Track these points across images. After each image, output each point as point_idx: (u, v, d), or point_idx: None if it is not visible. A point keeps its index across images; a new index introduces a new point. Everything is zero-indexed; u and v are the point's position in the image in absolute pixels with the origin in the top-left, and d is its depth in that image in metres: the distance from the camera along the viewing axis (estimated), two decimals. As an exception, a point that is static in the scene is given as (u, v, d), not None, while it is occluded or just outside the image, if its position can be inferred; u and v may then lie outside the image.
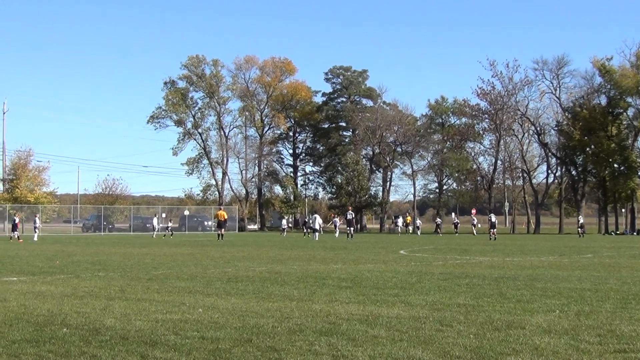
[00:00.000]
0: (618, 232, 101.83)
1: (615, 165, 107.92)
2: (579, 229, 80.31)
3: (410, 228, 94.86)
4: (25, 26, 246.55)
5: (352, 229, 67.71)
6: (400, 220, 78.60)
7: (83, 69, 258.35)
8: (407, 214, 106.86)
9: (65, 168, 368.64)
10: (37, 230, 66.72)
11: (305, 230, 76.88)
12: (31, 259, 30.51)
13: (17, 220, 64.35)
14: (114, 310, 13.13)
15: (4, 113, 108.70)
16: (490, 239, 61.52)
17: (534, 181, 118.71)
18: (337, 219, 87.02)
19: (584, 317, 11.94)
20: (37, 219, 69.34)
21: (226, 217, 65.06)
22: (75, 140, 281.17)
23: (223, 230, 61.79)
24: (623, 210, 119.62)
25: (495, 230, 65.10)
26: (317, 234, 65.50)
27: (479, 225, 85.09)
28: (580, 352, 8.99)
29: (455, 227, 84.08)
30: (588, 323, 11.29)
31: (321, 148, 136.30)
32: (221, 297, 15.26)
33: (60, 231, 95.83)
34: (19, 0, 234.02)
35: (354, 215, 73.99)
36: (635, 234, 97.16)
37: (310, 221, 71.85)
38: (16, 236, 61.36)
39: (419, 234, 69.48)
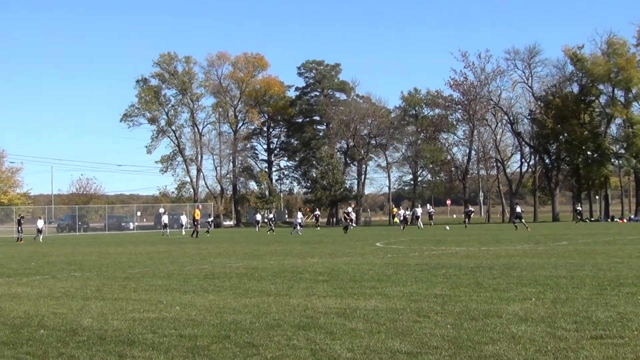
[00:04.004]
0: (592, 219, 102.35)
1: (589, 153, 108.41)
2: (578, 216, 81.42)
3: (397, 220, 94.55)
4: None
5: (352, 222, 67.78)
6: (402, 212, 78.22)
7: (55, 68, 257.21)
8: (393, 206, 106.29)
9: (38, 169, 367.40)
10: (41, 232, 65.84)
11: (271, 226, 76.55)
12: (6, 261, 30.37)
13: None
14: (91, 310, 13.10)
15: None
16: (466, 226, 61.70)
17: (508, 170, 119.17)
18: (318, 212, 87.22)
19: (560, 305, 12.00)
20: (40, 221, 68.33)
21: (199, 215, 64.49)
22: (49, 140, 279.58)
23: (199, 227, 61.58)
24: (597, 197, 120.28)
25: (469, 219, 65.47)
26: (299, 228, 65.37)
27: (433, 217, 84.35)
28: (557, 339, 9.03)
29: (430, 217, 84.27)
30: (564, 310, 11.35)
31: (295, 142, 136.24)
32: (198, 294, 15.24)
33: (34, 232, 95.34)
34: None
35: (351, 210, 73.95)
36: (609, 220, 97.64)
37: (293, 216, 71.97)
38: None
39: (421, 225, 69.00)
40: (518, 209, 63.71)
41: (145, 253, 34.65)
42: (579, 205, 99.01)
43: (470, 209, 78.28)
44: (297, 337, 9.65)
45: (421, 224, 70.14)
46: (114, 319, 11.87)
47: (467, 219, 72.39)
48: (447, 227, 64.36)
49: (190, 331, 10.39)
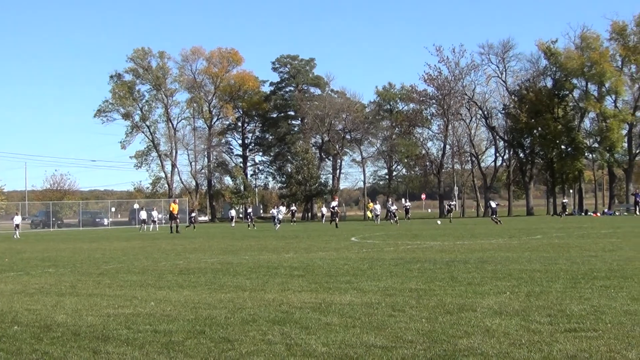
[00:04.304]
0: (567, 213, 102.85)
1: (563, 147, 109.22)
2: (564, 210, 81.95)
3: (370, 215, 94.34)
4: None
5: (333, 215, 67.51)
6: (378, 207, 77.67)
7: (27, 63, 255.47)
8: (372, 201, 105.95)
9: (12, 165, 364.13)
10: (18, 227, 65.64)
11: (249, 222, 76.54)
12: (-21, 258, 30.18)
13: None
14: (65, 306, 13.04)
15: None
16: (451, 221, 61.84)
17: (482, 165, 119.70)
18: (294, 208, 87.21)
19: (534, 298, 12.05)
20: (17, 217, 68.25)
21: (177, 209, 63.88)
22: (22, 136, 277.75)
23: (177, 222, 60.83)
24: (571, 191, 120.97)
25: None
26: (278, 223, 65.27)
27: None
28: (532, 333, 9.07)
29: (407, 212, 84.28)
30: (538, 303, 11.40)
31: (270, 137, 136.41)
32: (173, 290, 15.21)
33: (8, 228, 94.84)
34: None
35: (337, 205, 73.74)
36: (583, 214, 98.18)
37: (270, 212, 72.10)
38: None
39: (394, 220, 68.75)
40: (493, 204, 63.80)
41: (120, 249, 34.53)
42: (564, 197, 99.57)
43: (451, 203, 78.22)
44: (272, 332, 9.65)
45: (395, 218, 70.16)
46: (88, 314, 11.82)
47: (449, 214, 72.37)
48: (439, 222, 64.11)
49: (165, 327, 10.36)
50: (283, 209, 72.56)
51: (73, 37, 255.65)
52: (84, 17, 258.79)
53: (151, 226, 73.28)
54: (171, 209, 61.95)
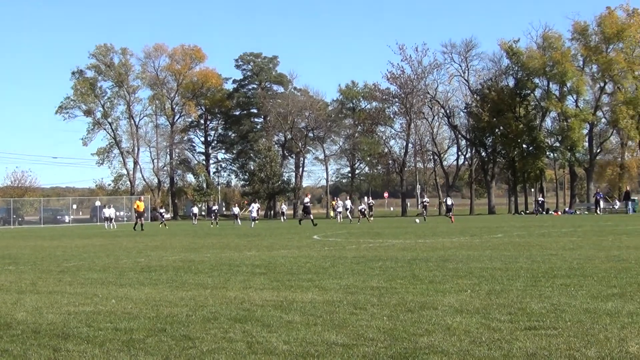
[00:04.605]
0: (528, 212, 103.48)
1: (524, 146, 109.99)
2: (539, 208, 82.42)
3: (333, 213, 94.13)
4: None
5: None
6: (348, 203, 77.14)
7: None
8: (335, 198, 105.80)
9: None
10: None
11: (213, 219, 76.53)
12: (-62, 255, 29.91)
13: None
14: (25, 303, 12.95)
15: None
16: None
17: (444, 163, 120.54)
18: (257, 205, 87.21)
19: (495, 296, 12.10)
20: None
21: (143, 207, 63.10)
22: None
23: (142, 219, 60.10)
24: (532, 190, 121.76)
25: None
26: (253, 221, 65.13)
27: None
28: (492, 331, 9.11)
29: (370, 209, 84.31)
30: (499, 302, 11.45)
31: (233, 135, 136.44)
32: (134, 288, 15.14)
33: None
34: None
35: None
36: (544, 213, 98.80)
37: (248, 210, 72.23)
38: None
39: (350, 218, 68.74)
40: (449, 202, 64.04)
41: (81, 246, 34.35)
42: (541, 195, 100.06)
43: (426, 199, 78.01)
44: (233, 330, 9.63)
45: (350, 216, 70.29)
46: (48, 312, 11.75)
47: (424, 211, 72.06)
48: (417, 221, 64.03)
49: (125, 324, 10.31)
50: (256, 206, 72.60)
51: (34, 32, 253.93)
52: (47, 11, 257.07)
53: (106, 224, 72.96)
54: (136, 206, 61.39)
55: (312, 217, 60.63)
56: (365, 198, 78.99)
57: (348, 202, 73.53)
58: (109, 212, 74.80)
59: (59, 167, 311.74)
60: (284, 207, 74.88)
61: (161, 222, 71.81)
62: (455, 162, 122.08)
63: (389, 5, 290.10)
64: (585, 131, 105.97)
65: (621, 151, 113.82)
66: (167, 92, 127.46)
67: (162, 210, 76.17)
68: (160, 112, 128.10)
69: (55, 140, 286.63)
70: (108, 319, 10.85)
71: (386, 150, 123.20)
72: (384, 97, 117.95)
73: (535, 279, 14.60)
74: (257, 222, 65.00)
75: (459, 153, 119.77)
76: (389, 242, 30.80)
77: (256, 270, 18.14)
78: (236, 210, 79.52)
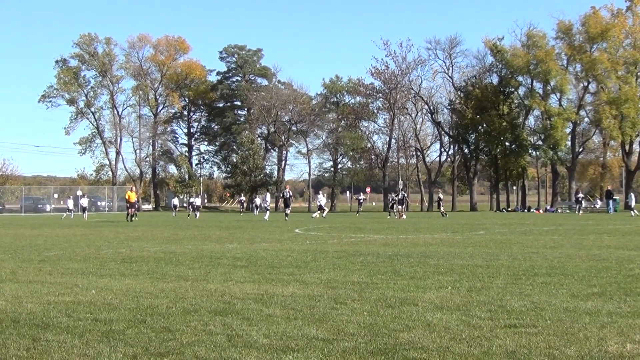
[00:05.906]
0: (509, 209, 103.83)
1: (507, 144, 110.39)
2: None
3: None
4: None
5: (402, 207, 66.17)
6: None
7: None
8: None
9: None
10: None
11: (192, 210, 76.34)
12: None
13: None
14: (5, 293, 12.89)
15: None
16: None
17: (427, 159, 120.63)
18: (243, 198, 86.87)
19: (476, 293, 12.12)
20: None
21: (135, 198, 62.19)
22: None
23: (133, 210, 59.34)
24: (514, 187, 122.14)
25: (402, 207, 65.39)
26: (267, 212, 64.41)
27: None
28: (472, 328, 9.13)
29: (360, 204, 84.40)
30: (479, 299, 11.47)
31: (216, 127, 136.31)
32: (115, 278, 15.09)
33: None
34: None
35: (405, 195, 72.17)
36: (526, 210, 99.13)
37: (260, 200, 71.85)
38: None
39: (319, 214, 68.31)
40: (441, 196, 63.83)
41: (62, 236, 34.26)
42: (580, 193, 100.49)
43: (393, 196, 77.75)
44: (213, 323, 9.61)
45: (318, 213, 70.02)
46: (28, 302, 11.70)
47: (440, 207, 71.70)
48: (404, 216, 63.80)
49: (105, 315, 10.28)
50: (269, 195, 71.38)
51: (18, 20, 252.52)
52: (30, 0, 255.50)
53: (71, 214, 72.82)
54: (127, 197, 60.77)
55: (287, 212, 60.09)
56: (397, 191, 77.97)
57: (321, 197, 72.70)
58: (82, 201, 74.72)
59: (41, 156, 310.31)
60: (268, 200, 74.20)
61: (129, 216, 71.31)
62: (437, 159, 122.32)
63: (374, 1, 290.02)
64: (568, 130, 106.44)
65: (603, 151, 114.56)
66: (151, 83, 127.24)
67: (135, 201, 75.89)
68: (143, 102, 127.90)
69: (37, 128, 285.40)
70: (88, 310, 10.81)
71: (369, 145, 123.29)
72: (367, 92, 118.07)
73: (516, 276, 14.63)
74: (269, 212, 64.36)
75: (442, 149, 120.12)
76: (370, 237, 30.84)
77: (237, 263, 18.12)
78: (257, 200, 79.52)
